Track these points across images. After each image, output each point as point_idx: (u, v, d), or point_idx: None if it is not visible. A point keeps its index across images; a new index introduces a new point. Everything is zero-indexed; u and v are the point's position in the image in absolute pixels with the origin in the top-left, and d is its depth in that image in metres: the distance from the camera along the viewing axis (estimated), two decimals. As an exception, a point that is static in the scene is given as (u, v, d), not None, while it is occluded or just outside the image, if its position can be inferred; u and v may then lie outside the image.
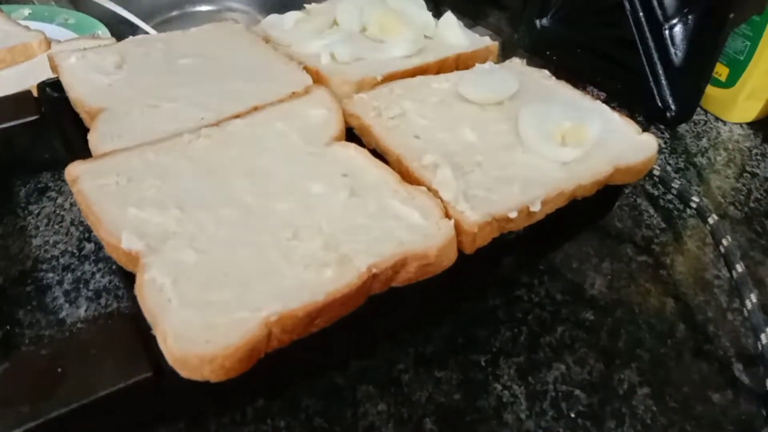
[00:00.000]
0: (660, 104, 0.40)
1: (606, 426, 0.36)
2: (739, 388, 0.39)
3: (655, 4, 0.39)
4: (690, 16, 0.39)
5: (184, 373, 0.27)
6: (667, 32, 0.39)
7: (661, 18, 0.39)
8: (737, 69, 0.57)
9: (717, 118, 0.61)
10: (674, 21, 0.39)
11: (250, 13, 0.97)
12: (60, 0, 0.78)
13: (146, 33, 0.75)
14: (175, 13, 0.94)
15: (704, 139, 0.59)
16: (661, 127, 0.59)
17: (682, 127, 0.60)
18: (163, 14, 0.93)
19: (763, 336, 0.38)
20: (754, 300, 0.39)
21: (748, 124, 0.60)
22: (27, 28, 0.61)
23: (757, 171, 0.55)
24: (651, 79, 0.40)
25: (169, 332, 0.27)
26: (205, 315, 0.28)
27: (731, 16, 0.37)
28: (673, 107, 0.39)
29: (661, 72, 0.40)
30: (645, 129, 0.40)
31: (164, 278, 0.29)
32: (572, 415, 0.37)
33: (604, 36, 0.43)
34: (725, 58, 0.58)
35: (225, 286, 0.29)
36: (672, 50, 0.39)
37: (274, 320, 0.28)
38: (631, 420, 0.37)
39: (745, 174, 0.55)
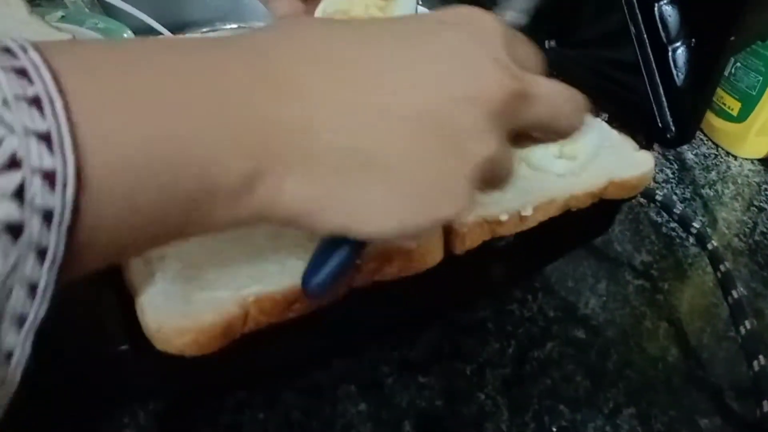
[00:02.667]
0: (660, 125, 0.40)
1: (588, 442, 0.36)
2: (728, 415, 0.38)
3: (660, 27, 0.40)
4: (692, 39, 0.39)
5: (158, 345, 0.27)
6: (670, 55, 0.39)
7: (664, 40, 0.40)
8: (749, 104, 0.57)
9: (728, 153, 0.61)
10: (677, 44, 0.39)
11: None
12: (94, 7, 0.81)
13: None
14: (205, 29, 0.97)
15: (713, 172, 0.58)
16: (671, 157, 0.59)
17: (691, 159, 0.60)
18: (193, 29, 0.96)
19: (755, 363, 0.37)
20: (749, 326, 0.39)
21: (759, 160, 0.60)
22: (58, 29, 0.63)
23: (765, 206, 0.55)
24: (653, 100, 0.40)
25: (147, 304, 0.27)
26: (185, 290, 0.28)
27: (731, 39, 0.37)
28: (673, 128, 0.40)
29: (662, 94, 0.40)
30: (646, 149, 0.41)
31: (152, 253, 0.30)
32: (554, 429, 0.36)
33: (610, 58, 0.43)
34: (737, 92, 0.58)
35: (209, 266, 0.30)
36: (674, 72, 0.39)
37: (252, 300, 0.28)
38: (614, 439, 0.36)
39: (752, 208, 0.54)
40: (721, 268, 0.42)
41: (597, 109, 0.43)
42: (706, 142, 0.62)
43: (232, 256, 0.30)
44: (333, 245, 0.25)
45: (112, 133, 0.18)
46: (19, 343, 0.18)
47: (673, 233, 0.50)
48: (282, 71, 0.22)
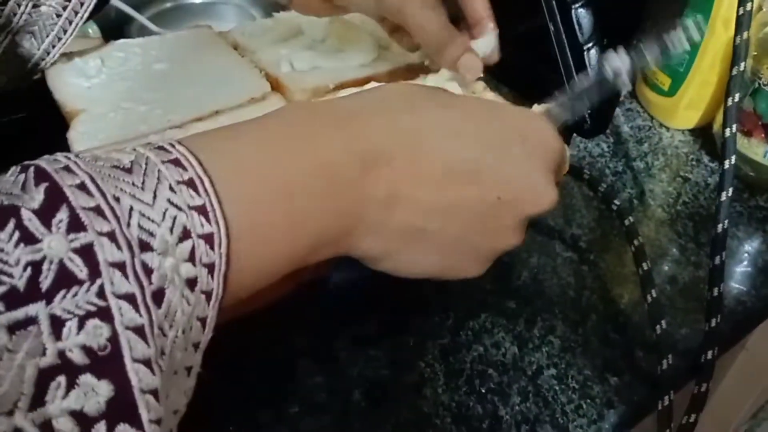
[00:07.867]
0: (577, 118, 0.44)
1: (511, 401, 0.42)
2: (635, 372, 0.44)
3: (576, 26, 0.44)
4: (605, 40, 0.43)
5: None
6: (585, 53, 0.44)
7: (581, 40, 0.44)
8: (678, 79, 0.62)
9: (661, 124, 0.65)
10: (591, 44, 0.43)
11: (243, 6, 1.01)
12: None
13: (141, 25, 0.80)
14: (169, 4, 0.98)
15: (645, 144, 0.63)
16: (607, 131, 0.64)
17: (627, 132, 0.64)
18: (157, 5, 0.97)
19: (658, 327, 0.43)
20: (655, 295, 0.44)
21: (690, 130, 0.64)
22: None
23: (690, 176, 0.60)
24: (571, 94, 0.45)
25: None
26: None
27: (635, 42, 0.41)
28: (588, 121, 0.44)
29: (579, 89, 0.44)
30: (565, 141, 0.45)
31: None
32: (483, 391, 0.42)
33: (532, 56, 0.47)
34: (667, 69, 0.62)
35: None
36: (589, 70, 0.44)
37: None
38: (535, 397, 0.42)
39: (677, 179, 0.59)
40: (635, 242, 0.47)
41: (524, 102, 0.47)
42: (642, 114, 0.67)
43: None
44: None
45: (246, 202, 0.25)
46: (197, 362, 0.24)
47: (602, 207, 0.55)
48: (379, 154, 0.29)
